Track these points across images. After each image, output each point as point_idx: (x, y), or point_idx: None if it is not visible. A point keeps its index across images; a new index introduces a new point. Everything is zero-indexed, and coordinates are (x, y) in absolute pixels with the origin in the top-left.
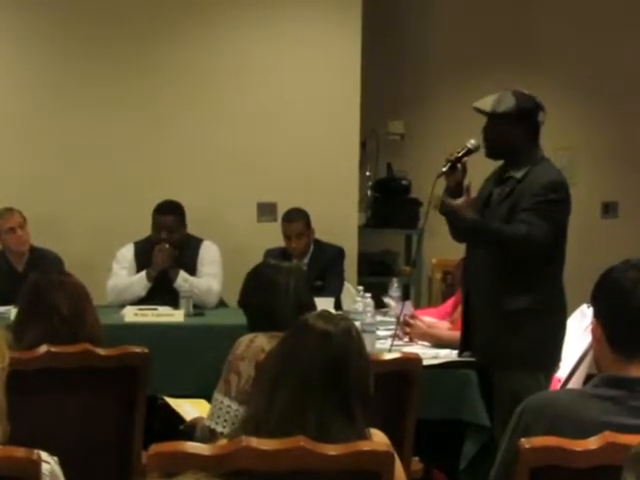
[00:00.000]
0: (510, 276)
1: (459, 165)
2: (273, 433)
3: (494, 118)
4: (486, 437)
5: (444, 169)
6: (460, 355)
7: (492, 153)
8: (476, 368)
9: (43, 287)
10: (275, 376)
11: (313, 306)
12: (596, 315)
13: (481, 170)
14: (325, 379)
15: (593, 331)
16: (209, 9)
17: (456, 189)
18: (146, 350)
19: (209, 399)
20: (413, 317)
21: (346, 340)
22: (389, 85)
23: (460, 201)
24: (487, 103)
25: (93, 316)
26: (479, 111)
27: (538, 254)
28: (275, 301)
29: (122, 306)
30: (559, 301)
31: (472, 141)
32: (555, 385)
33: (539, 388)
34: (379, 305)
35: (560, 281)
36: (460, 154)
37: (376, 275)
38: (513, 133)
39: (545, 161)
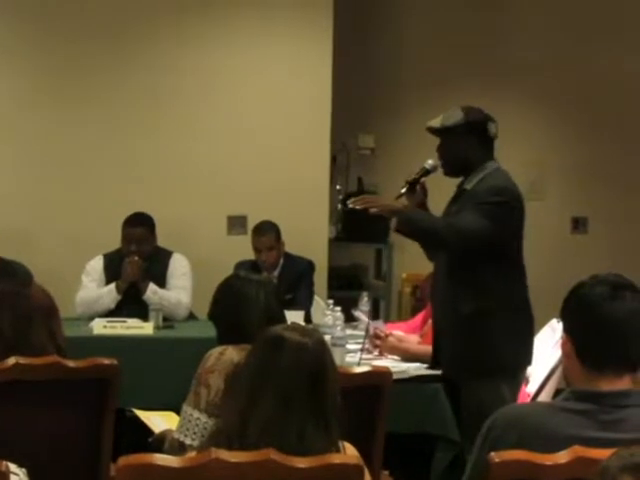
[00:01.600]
0: (461, 280)
1: (418, 186)
2: (251, 446)
3: (445, 133)
4: (456, 451)
5: (402, 190)
6: (432, 369)
7: (449, 171)
8: (445, 382)
9: None
10: (252, 389)
11: (283, 319)
12: (565, 330)
13: (443, 190)
14: (306, 391)
15: (563, 346)
16: (181, 25)
17: None
18: (115, 362)
19: (178, 412)
20: (388, 335)
21: (321, 352)
22: (360, 99)
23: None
24: (437, 120)
25: (48, 330)
26: (431, 130)
27: (469, 245)
28: (245, 314)
29: (91, 318)
30: (518, 303)
31: (429, 161)
32: (524, 399)
33: (501, 396)
34: (349, 319)
35: (517, 284)
36: (418, 175)
37: (346, 289)
38: (465, 146)
39: (498, 171)
